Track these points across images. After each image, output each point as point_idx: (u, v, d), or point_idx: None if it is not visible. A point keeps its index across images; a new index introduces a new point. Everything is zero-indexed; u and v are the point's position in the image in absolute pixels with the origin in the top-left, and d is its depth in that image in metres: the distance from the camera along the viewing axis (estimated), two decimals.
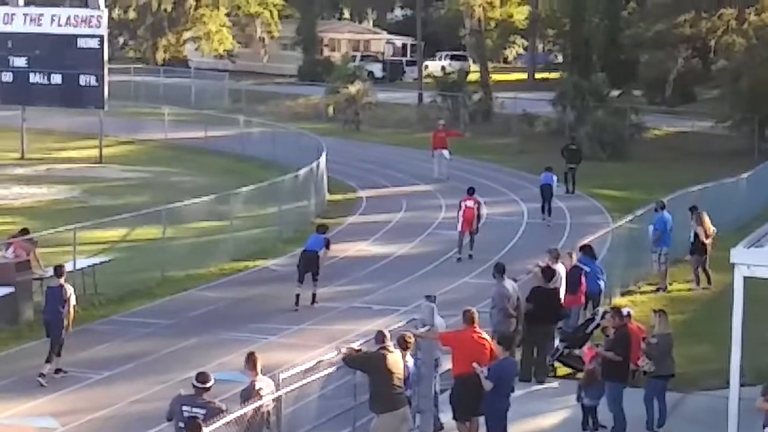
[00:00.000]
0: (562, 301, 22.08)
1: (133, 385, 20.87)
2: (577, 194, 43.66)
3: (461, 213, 32.47)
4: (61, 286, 21.59)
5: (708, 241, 29.16)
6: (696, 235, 29.23)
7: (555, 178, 39.32)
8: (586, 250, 24.33)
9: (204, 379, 14.17)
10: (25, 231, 27.02)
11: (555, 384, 21.00)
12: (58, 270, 22.08)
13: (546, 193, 38.55)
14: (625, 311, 19.26)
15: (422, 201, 42.09)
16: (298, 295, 26.71)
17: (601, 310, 22.07)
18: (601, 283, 24.06)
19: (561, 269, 22.58)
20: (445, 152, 47.35)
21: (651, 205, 29.92)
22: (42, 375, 20.93)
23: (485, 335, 17.28)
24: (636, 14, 76.22)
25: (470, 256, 32.23)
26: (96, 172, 48.21)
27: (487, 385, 16.35)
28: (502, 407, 16.57)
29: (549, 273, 21.47)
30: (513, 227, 37.28)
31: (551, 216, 38.28)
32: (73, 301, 21.60)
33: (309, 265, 26.92)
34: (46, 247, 27.77)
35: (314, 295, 26.93)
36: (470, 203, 32.62)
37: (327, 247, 27.36)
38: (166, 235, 30.38)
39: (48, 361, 21.15)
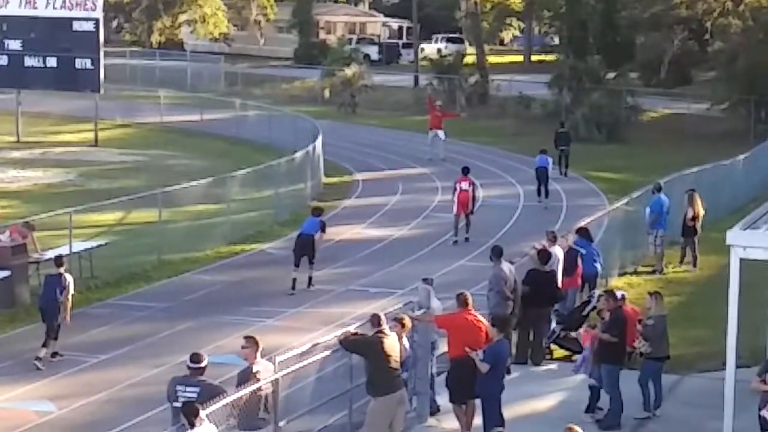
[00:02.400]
0: (559, 283, 22.08)
1: (130, 368, 20.87)
2: (573, 177, 43.66)
3: (456, 195, 32.21)
4: (60, 274, 21.57)
5: (691, 224, 29.19)
6: (693, 217, 29.31)
7: (550, 160, 39.38)
8: (583, 232, 24.32)
9: (197, 359, 14.16)
10: (27, 224, 26.78)
11: (553, 366, 21.03)
12: (58, 260, 22.12)
13: (542, 175, 38.64)
14: (619, 294, 19.27)
15: (418, 184, 42.10)
16: (294, 279, 26.69)
17: (597, 292, 22.06)
18: (598, 266, 24.05)
19: (558, 251, 22.56)
20: (441, 132, 47.32)
21: (647, 188, 29.90)
22: (38, 359, 20.93)
23: (480, 317, 17.30)
24: None
25: (466, 239, 32.22)
26: (92, 155, 48.18)
27: (483, 367, 16.36)
28: (496, 389, 16.59)
29: (545, 255, 21.44)
30: (509, 210, 37.28)
31: (548, 198, 38.32)
32: (71, 290, 21.57)
33: (305, 249, 26.88)
34: (42, 230, 27.72)
35: (310, 278, 26.91)
36: (465, 185, 32.34)
37: (322, 230, 27.25)
38: (162, 218, 30.37)
39: (44, 345, 21.17)
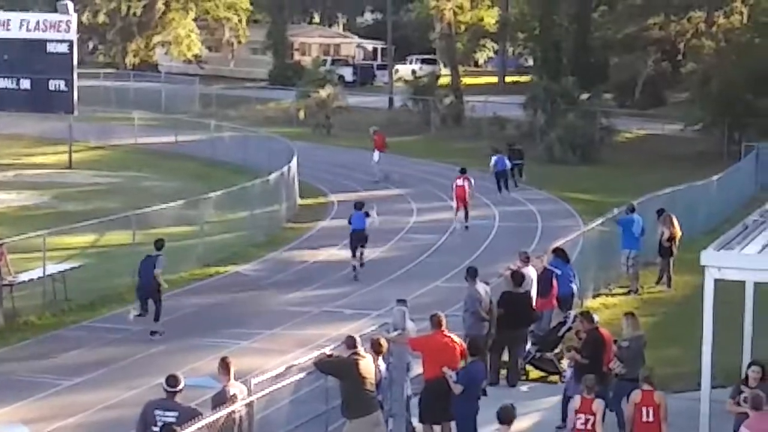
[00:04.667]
0: (534, 304, 22.08)
1: (104, 391, 20.76)
2: (549, 197, 43.92)
3: (454, 192, 37.87)
4: (159, 255, 24.62)
5: (668, 244, 29.34)
6: (669, 238, 29.43)
7: (505, 158, 44.68)
8: (559, 252, 24.36)
9: (174, 382, 14.08)
10: None
11: (529, 387, 21.01)
12: (159, 243, 25.05)
13: (500, 175, 43.74)
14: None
15: (394, 205, 42.06)
16: (354, 266, 30.61)
17: (572, 313, 22.08)
18: (573, 287, 24.09)
19: (532, 272, 22.57)
20: (375, 154, 47.54)
21: (622, 208, 29.98)
22: (153, 333, 24.23)
23: (455, 338, 17.27)
24: (606, 17, 76.51)
25: (466, 228, 37.02)
26: (66, 177, 48.01)
27: (457, 388, 16.36)
28: (471, 411, 16.58)
29: (518, 277, 21.41)
30: (485, 230, 37.29)
31: (509, 191, 42.98)
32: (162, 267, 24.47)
33: (360, 240, 30.84)
34: (16, 253, 27.59)
35: (362, 255, 30.88)
36: (460, 182, 37.68)
37: (368, 216, 31.35)
38: (136, 240, 30.24)
39: (156, 319, 24.31)
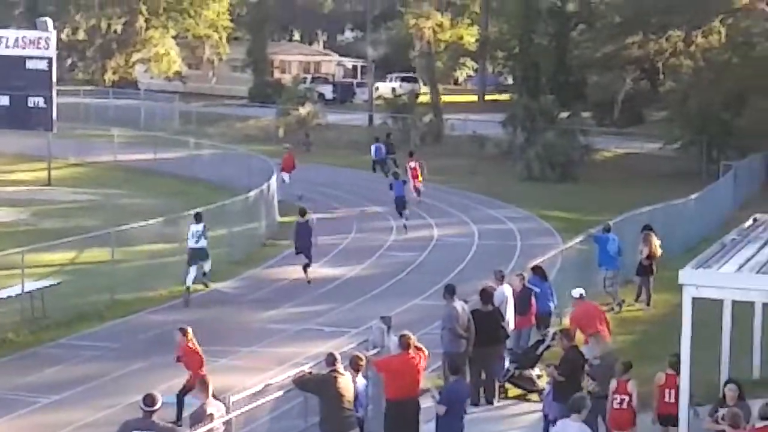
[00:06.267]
0: (513, 322, 22.07)
1: (82, 409, 20.70)
2: (528, 215, 44.06)
3: (409, 173, 44.83)
4: (307, 221, 32.04)
5: (647, 263, 29.47)
6: (647, 256, 29.54)
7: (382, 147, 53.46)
8: (538, 271, 24.40)
9: (151, 401, 13.97)
10: None
11: (508, 404, 21.02)
12: (301, 210, 32.79)
13: (377, 162, 53.65)
14: (576, 293, 21.50)
15: (373, 223, 42.10)
16: (405, 226, 39.38)
17: (551, 331, 22.12)
18: (551, 305, 24.13)
19: (507, 290, 22.56)
20: (286, 176, 47.60)
21: (599, 227, 30.06)
22: (309, 281, 31.43)
23: (421, 360, 17.08)
24: (584, 36, 76.76)
25: (419, 202, 44.13)
26: (45, 194, 47.89)
27: (440, 409, 16.35)
28: (456, 430, 16.56)
29: (485, 295, 21.27)
30: (464, 248, 37.33)
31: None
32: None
33: (403, 206, 39.90)
34: None
35: (406, 218, 39.63)
36: (413, 164, 45.47)
37: (405, 184, 41.08)
38: (115, 257, 30.21)
39: (305, 270, 31.49)
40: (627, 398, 17.31)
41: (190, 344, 19.88)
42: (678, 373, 16.86)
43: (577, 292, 22.38)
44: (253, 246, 36.90)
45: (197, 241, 30.11)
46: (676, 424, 16.76)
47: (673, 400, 17.10)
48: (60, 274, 31.11)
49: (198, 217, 30.65)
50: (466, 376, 19.17)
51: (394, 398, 16.73)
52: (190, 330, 20.02)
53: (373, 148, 54.66)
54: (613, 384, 17.44)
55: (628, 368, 17.58)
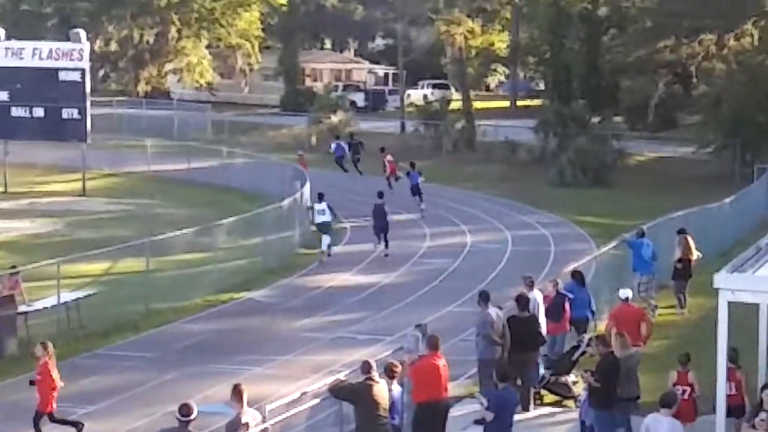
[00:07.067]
0: (544, 327, 22.01)
1: (118, 419, 20.79)
2: (561, 221, 43.93)
3: (387, 167, 49.69)
4: (383, 204, 37.27)
5: (679, 266, 29.33)
6: (679, 259, 29.40)
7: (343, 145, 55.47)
8: (576, 276, 24.29)
9: (187, 411, 14.03)
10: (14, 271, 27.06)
11: (544, 411, 20.96)
12: (379, 192, 38.37)
13: (339, 160, 55.10)
14: (623, 294, 21.96)
15: (406, 230, 42.07)
16: (422, 209, 44.42)
17: (586, 337, 22.05)
18: (588, 312, 23.94)
19: (538, 296, 22.46)
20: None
21: (633, 232, 29.95)
22: (386, 255, 36.43)
23: (443, 362, 17.16)
24: (616, 40, 76.54)
25: (391, 192, 45.97)
26: (79, 205, 48.13)
27: (488, 416, 16.29)
28: None
29: (523, 301, 21.24)
30: (497, 255, 37.29)
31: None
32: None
33: (417, 191, 44.50)
34: (30, 281, 27.70)
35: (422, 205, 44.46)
36: (390, 158, 50.35)
37: (421, 175, 45.04)
38: (150, 267, 30.32)
39: (386, 245, 36.81)
40: (689, 389, 17.68)
41: (49, 361, 19.29)
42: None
43: (624, 293, 22.37)
44: (288, 254, 36.97)
45: (323, 215, 36.31)
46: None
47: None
48: (95, 284, 31.27)
49: (320, 196, 36.80)
50: (514, 384, 19.06)
51: (423, 401, 16.72)
52: (50, 345, 19.59)
53: (333, 145, 56.72)
54: (674, 376, 17.89)
55: (687, 359, 18.00)
